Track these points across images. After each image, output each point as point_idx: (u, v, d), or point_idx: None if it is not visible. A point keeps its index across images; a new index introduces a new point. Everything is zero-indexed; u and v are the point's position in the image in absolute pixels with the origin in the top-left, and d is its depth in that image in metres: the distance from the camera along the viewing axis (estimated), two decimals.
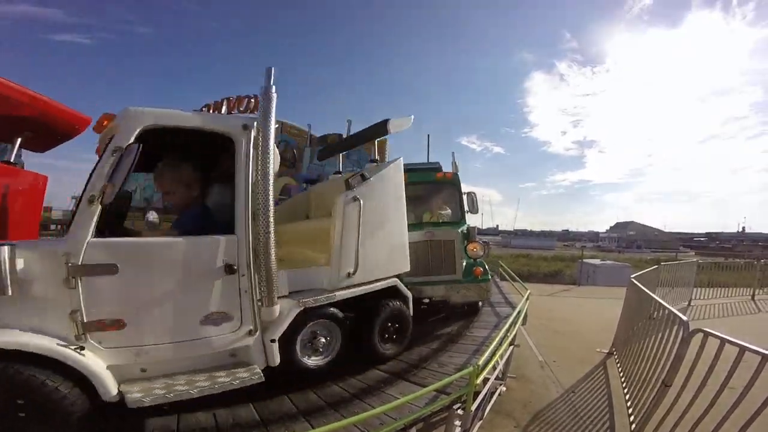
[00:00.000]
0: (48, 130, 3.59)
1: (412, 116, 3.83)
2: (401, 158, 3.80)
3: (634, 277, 5.72)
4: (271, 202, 2.52)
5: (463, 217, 5.87)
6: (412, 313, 3.75)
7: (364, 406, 2.63)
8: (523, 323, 5.13)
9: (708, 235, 75.36)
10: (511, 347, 4.65)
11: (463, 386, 2.74)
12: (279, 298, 2.64)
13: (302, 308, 2.83)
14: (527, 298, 5.30)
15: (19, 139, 3.48)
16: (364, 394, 2.83)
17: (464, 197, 5.91)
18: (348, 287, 3.18)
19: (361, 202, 3.15)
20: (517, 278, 7.92)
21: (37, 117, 3.36)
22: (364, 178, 3.30)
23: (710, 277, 10.21)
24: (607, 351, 5.71)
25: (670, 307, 3.57)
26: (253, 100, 26.50)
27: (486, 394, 3.38)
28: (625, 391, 4.03)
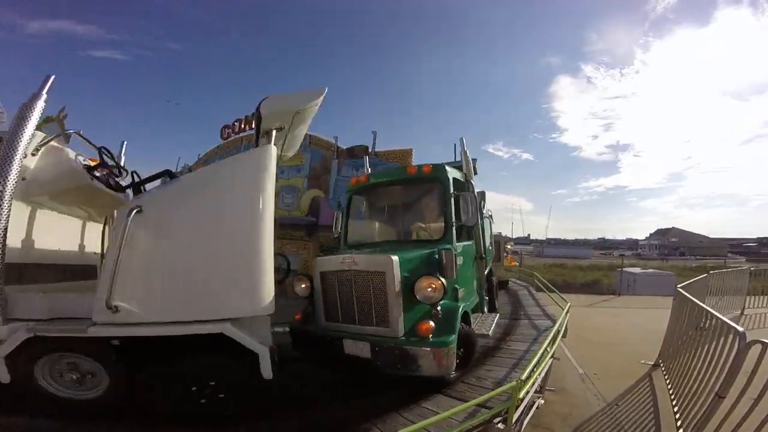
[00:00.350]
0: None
1: (325, 88, 3.05)
2: (271, 146, 2.83)
3: (681, 287, 5.44)
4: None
5: (449, 231, 3.69)
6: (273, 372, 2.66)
7: (403, 421, 2.65)
8: (564, 336, 5.01)
9: (759, 240, 69.93)
10: (551, 360, 4.56)
11: (504, 400, 2.73)
12: (11, 320, 2.57)
13: (31, 335, 2.52)
14: (567, 311, 5.16)
15: None
16: (400, 408, 2.84)
17: (456, 200, 3.75)
18: (118, 324, 2.46)
19: (145, 213, 2.53)
20: (554, 289, 7.69)
21: None
22: (171, 176, 2.79)
23: (764, 284, 9.50)
24: (652, 363, 5.44)
25: (723, 318, 3.40)
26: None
27: (524, 407, 3.31)
28: (674, 403, 3.84)
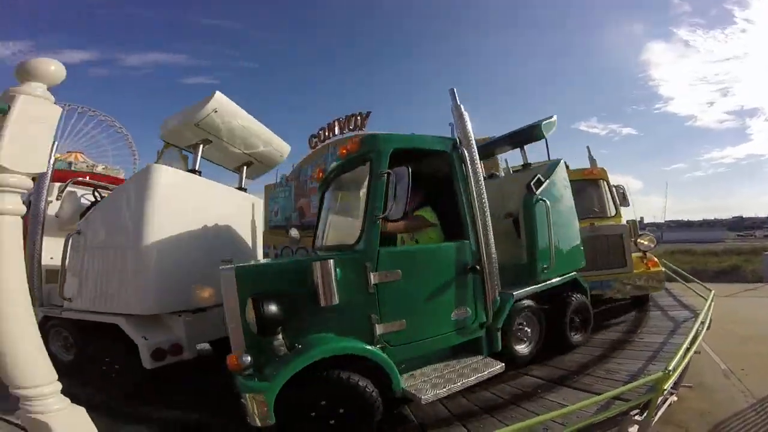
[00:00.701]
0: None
1: (215, 92, 3.57)
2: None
3: None
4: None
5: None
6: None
7: (523, 412, 2.52)
8: (708, 328, 4.36)
9: None
10: (691, 354, 4.01)
11: (642, 393, 2.47)
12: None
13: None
14: (711, 300, 4.48)
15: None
16: (520, 400, 2.73)
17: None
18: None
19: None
20: (691, 277, 6.62)
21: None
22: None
23: None
24: None
25: None
26: (358, 117, 28.83)
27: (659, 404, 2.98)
28: None
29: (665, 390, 2.43)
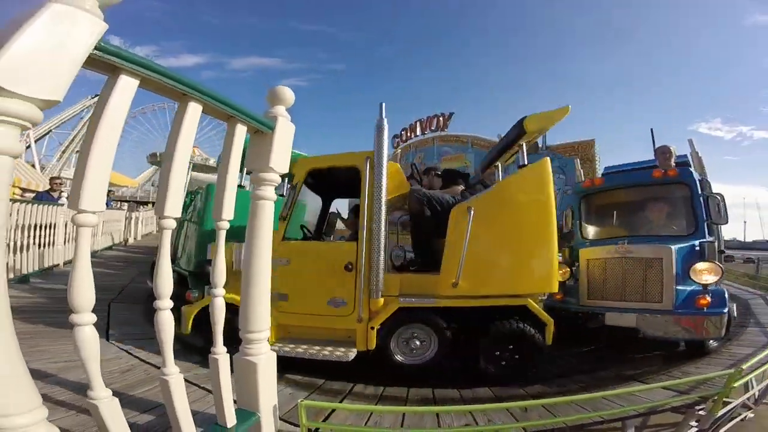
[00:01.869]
0: None
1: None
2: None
3: None
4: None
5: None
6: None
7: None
8: None
9: None
10: None
11: (711, 390, 2.59)
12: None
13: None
14: None
15: None
16: (589, 390, 2.92)
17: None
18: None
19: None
20: None
21: None
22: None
23: None
24: None
25: None
26: (441, 118, 29.00)
27: (728, 411, 2.95)
28: None
29: (733, 387, 2.50)
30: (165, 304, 1.33)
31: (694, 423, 2.55)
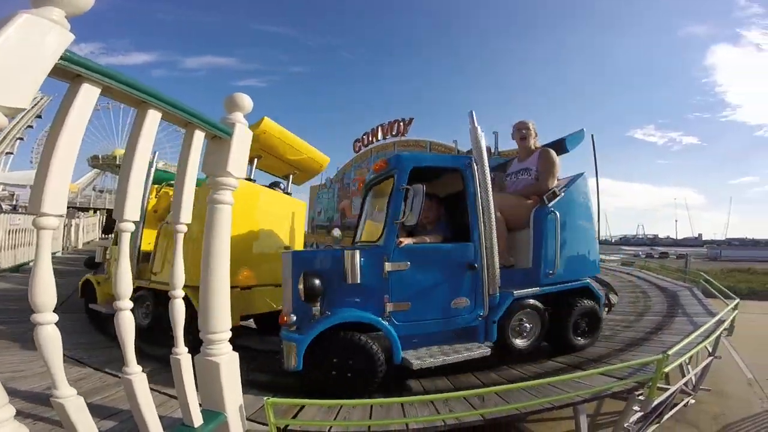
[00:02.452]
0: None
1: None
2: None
3: None
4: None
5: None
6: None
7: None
8: (729, 334, 4.55)
9: None
10: (710, 358, 4.24)
11: (647, 375, 2.85)
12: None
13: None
14: (735, 307, 4.66)
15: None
16: (540, 378, 3.09)
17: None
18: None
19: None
20: (725, 290, 6.57)
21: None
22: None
23: None
24: None
25: None
26: (401, 124, 29.70)
27: (670, 397, 3.30)
28: None
29: (664, 372, 2.81)
30: (125, 304, 1.34)
31: (636, 408, 2.84)
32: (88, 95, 1.18)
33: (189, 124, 1.65)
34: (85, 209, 29.03)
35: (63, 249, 11.49)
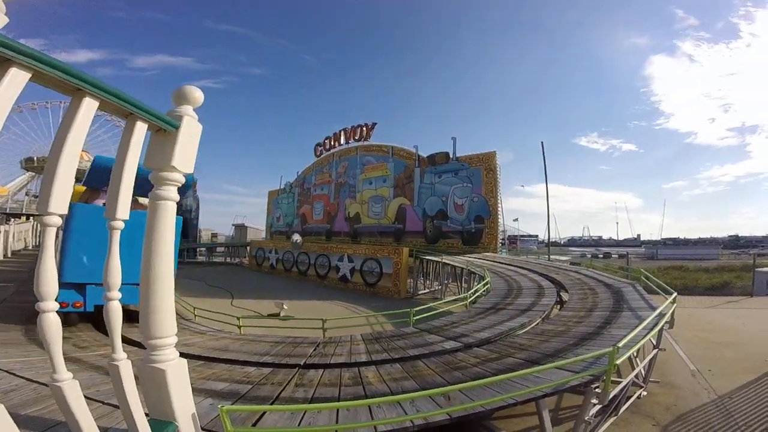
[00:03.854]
0: None
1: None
2: None
3: None
4: None
5: None
6: None
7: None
8: (670, 326, 4.89)
9: None
10: (655, 351, 4.53)
11: (600, 367, 3.00)
12: None
13: None
14: (673, 301, 5.02)
15: None
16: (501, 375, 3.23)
17: None
18: None
19: None
20: (664, 285, 7.11)
21: None
22: None
23: None
24: None
25: None
26: (364, 128, 29.93)
27: (623, 390, 3.47)
28: None
29: (616, 365, 2.95)
30: (49, 306, 1.19)
31: (594, 401, 2.95)
32: (16, 80, 1.04)
33: (130, 115, 1.51)
34: (17, 215, 26.25)
35: None
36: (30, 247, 14.15)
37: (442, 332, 4.99)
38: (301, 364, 3.68)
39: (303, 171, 33.31)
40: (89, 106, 1.28)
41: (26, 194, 37.88)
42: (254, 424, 2.11)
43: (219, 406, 1.66)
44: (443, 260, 15.71)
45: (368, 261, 18.44)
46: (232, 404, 2.47)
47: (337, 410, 2.34)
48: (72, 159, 1.26)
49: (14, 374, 2.59)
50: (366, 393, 2.91)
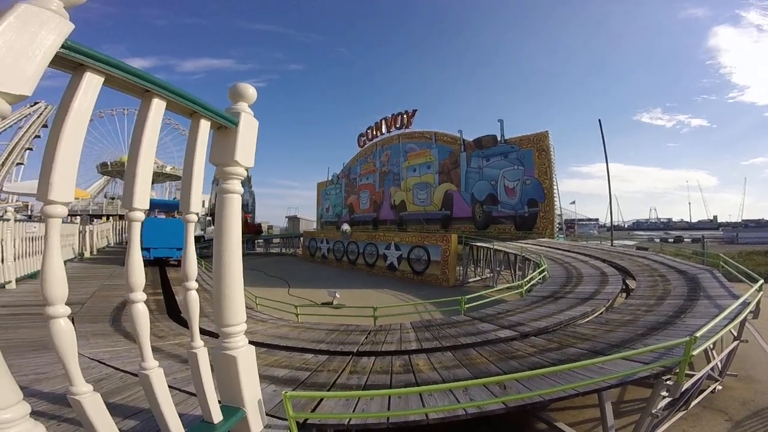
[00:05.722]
0: None
1: None
2: None
3: None
4: None
5: None
6: None
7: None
8: (754, 317, 4.41)
9: None
10: (736, 342, 4.12)
11: (674, 358, 2.78)
12: None
13: None
14: (759, 288, 4.50)
15: None
16: (561, 364, 3.08)
17: None
18: None
19: None
20: (748, 271, 6.35)
21: None
22: None
23: None
24: None
25: None
26: (405, 116, 29.56)
27: (697, 383, 3.20)
28: None
29: (692, 355, 2.73)
30: (138, 296, 1.30)
31: (664, 393, 2.75)
32: (91, 84, 1.14)
33: (194, 114, 1.61)
34: (98, 216, 29.44)
35: (79, 255, 11.66)
36: (111, 245, 15.84)
37: (495, 321, 4.88)
38: (354, 351, 3.79)
39: (348, 162, 33.84)
40: (158, 107, 1.38)
41: (104, 196, 42.29)
42: (313, 410, 2.20)
43: (282, 392, 1.77)
44: (495, 246, 15.28)
45: (415, 249, 18.43)
46: (294, 390, 2.61)
47: (389, 397, 2.38)
48: (148, 157, 1.35)
49: (104, 363, 2.88)
50: (417, 380, 2.92)
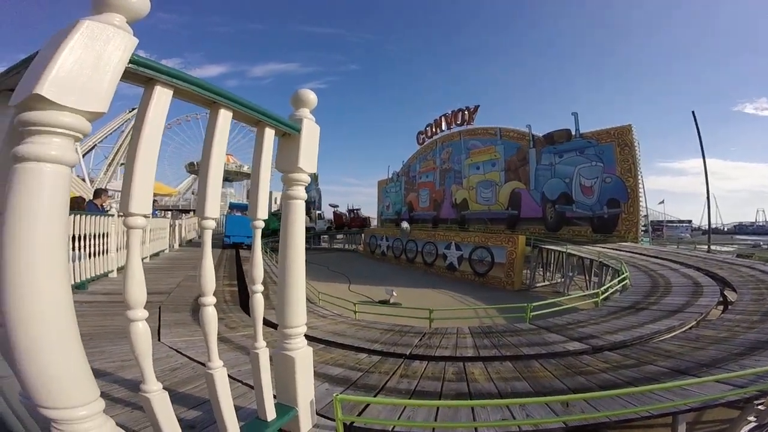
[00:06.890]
0: None
1: None
2: None
3: None
4: None
5: None
6: None
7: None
8: None
9: None
10: None
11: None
12: None
13: None
14: None
15: None
16: (637, 384, 2.81)
17: None
18: None
19: None
20: None
21: None
22: None
23: None
24: None
25: None
26: (466, 112, 28.62)
27: None
28: None
29: None
30: (208, 300, 1.40)
31: (752, 418, 2.40)
32: (162, 97, 1.22)
33: (259, 123, 1.69)
34: (186, 211, 32.85)
35: (170, 247, 13.13)
36: (197, 238, 17.63)
37: (564, 331, 4.55)
38: (407, 354, 3.77)
39: (408, 160, 33.86)
40: (225, 117, 1.45)
41: (192, 193, 47.12)
42: (360, 414, 2.23)
43: (334, 394, 1.82)
44: (568, 250, 14.27)
45: (478, 249, 17.89)
46: (345, 390, 2.66)
47: (437, 408, 2.31)
48: (218, 165, 1.42)
49: (180, 353, 3.15)
50: (470, 390, 2.81)
